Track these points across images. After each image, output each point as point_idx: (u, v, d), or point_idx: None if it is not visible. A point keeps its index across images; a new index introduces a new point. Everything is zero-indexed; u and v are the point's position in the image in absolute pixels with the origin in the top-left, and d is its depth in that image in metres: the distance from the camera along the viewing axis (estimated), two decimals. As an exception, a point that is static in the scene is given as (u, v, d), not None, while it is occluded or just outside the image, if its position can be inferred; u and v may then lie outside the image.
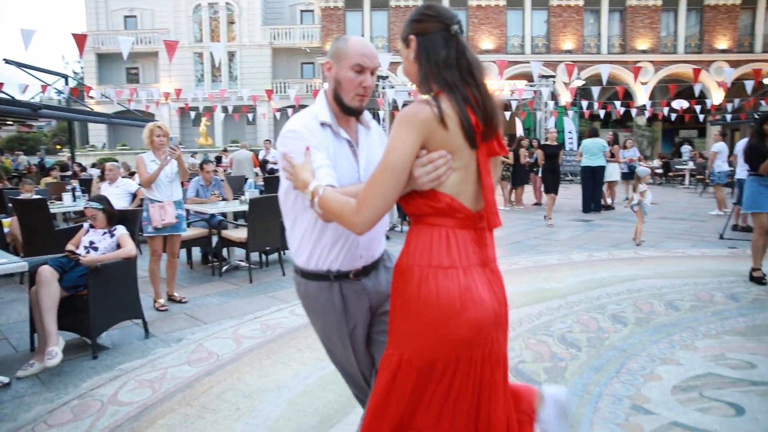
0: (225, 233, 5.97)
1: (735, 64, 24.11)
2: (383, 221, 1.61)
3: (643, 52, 26.01)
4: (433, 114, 1.41)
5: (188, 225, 6.48)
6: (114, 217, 4.16)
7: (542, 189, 12.43)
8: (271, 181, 10.47)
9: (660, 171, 19.90)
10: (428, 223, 1.51)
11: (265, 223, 5.69)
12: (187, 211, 6.64)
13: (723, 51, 25.90)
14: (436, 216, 1.50)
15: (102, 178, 7.87)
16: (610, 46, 26.36)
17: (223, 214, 6.17)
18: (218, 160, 13.77)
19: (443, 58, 1.48)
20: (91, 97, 28.39)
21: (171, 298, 5.05)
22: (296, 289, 1.89)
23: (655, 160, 21.95)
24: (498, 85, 20.47)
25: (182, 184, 5.32)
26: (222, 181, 6.82)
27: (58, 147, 35.13)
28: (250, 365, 3.49)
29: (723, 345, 3.60)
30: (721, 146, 10.59)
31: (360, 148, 1.82)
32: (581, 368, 3.28)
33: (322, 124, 1.74)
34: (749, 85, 16.62)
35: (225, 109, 24.14)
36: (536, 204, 12.72)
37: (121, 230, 4.10)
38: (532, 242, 7.78)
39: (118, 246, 4.04)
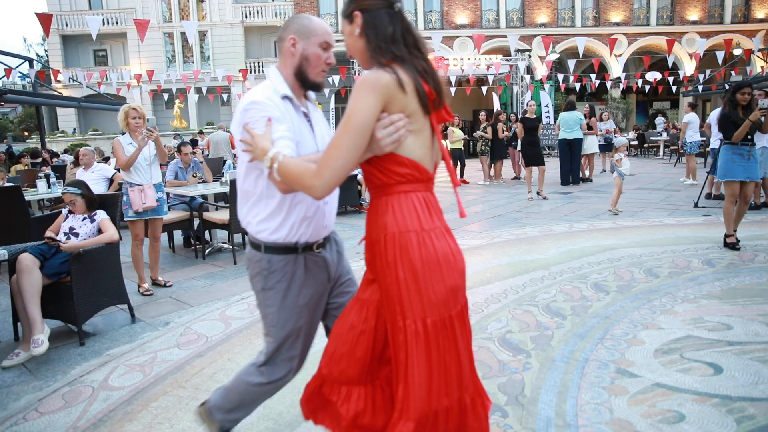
0: (206, 215, 5.91)
1: (706, 35, 24.43)
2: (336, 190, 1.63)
3: (617, 24, 26.15)
4: (392, 79, 1.47)
5: (169, 208, 6.42)
6: (93, 202, 4.09)
7: (520, 163, 12.59)
8: (250, 163, 10.36)
9: (635, 143, 20.19)
10: (402, 191, 1.56)
11: (247, 204, 5.64)
12: (167, 194, 6.57)
13: (694, 22, 26.18)
14: (406, 183, 1.56)
15: (76, 163, 7.69)
16: (584, 19, 26.43)
17: (204, 197, 6.10)
18: (194, 143, 13.54)
19: (391, 34, 1.53)
20: (59, 81, 27.55)
21: (155, 282, 5.01)
22: (255, 267, 1.85)
23: (630, 132, 22.26)
24: (474, 60, 20.44)
25: (160, 166, 5.23)
26: (201, 163, 6.73)
27: (26, 134, 34.15)
28: (240, 345, 3.49)
29: (701, 309, 3.72)
30: (692, 117, 10.82)
31: (314, 122, 1.86)
32: (567, 336, 3.36)
33: (284, 97, 1.75)
34: (720, 55, 16.85)
35: (198, 91, 23.69)
36: (515, 178, 12.83)
37: (101, 215, 4.03)
38: (513, 215, 7.87)
39: (99, 231, 3.98)
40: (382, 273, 1.59)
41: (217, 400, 2.06)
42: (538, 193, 9.40)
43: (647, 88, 21.58)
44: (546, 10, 26.14)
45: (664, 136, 18.25)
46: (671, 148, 16.87)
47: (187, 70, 27.73)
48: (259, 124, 1.64)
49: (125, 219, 4.76)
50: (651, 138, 19.28)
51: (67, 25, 31.17)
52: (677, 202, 8.45)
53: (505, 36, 24.51)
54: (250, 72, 29.16)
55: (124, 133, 4.77)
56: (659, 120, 23.02)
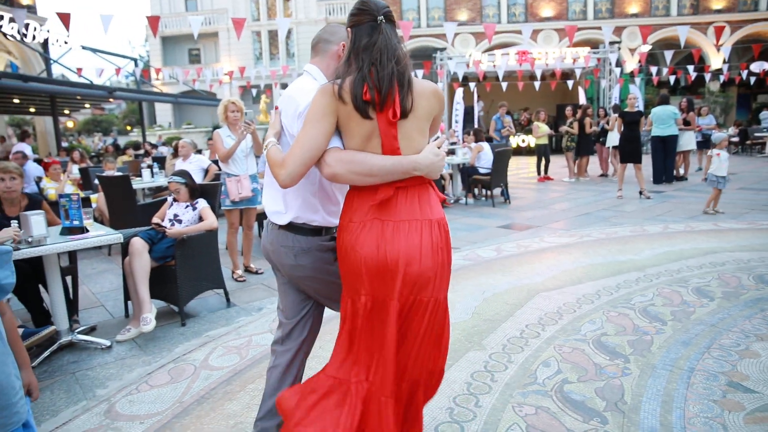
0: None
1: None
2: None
3: (718, 11, 24.31)
4: (332, 90, 1.72)
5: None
6: (195, 191, 4.32)
7: (609, 160, 12.03)
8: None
9: (736, 139, 18.73)
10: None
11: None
12: (262, 185, 6.84)
13: (810, 7, 23.86)
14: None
15: (175, 155, 8.18)
16: (681, 7, 24.78)
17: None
18: None
19: (364, 45, 1.73)
20: (157, 79, 29.41)
21: (248, 269, 5.24)
22: (310, 247, 1.96)
23: (731, 128, 20.68)
24: (560, 53, 19.74)
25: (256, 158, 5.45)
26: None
27: (129, 128, 36.73)
28: (330, 334, 3.57)
29: (824, 320, 3.40)
30: None
31: None
32: (668, 342, 3.18)
33: None
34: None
35: (284, 86, 24.47)
36: (602, 175, 12.28)
37: (202, 203, 4.26)
38: (603, 214, 7.54)
39: (200, 219, 4.20)
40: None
41: None
42: (641, 193, 8.85)
43: (752, 80, 19.89)
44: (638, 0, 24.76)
45: (771, 132, 16.80)
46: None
47: (274, 67, 28.71)
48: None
49: (222, 208, 5.00)
50: (755, 134, 17.81)
51: (166, 27, 33.18)
52: (789, 205, 7.77)
53: (593, 28, 23.53)
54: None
55: (218, 126, 5.00)
56: (764, 114, 21.18)
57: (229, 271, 5.07)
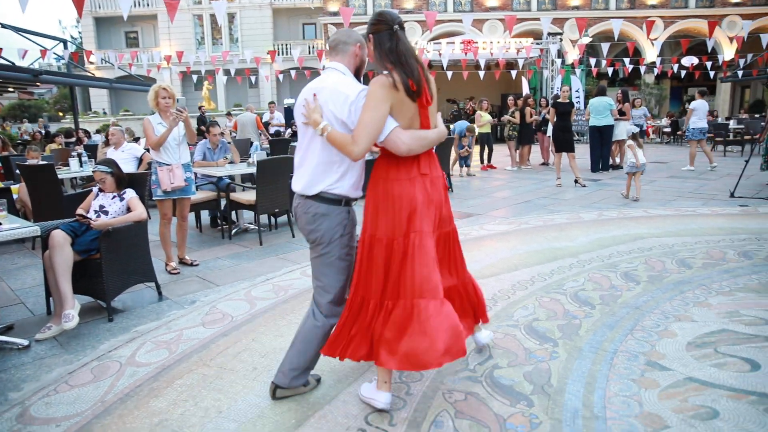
0: (234, 196, 5.94)
1: (749, 17, 23.44)
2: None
3: (653, 7, 25.31)
4: (389, 82, 2.21)
5: (196, 188, 6.48)
6: (123, 181, 4.13)
7: (551, 149, 12.35)
8: (277, 144, 10.40)
9: (668, 130, 19.64)
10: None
11: (273, 184, 5.66)
12: (195, 174, 6.62)
13: (736, 4, 25.17)
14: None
15: (107, 143, 7.81)
16: (619, 2, 25.64)
17: (231, 177, 6.13)
18: (208, 123, 13.62)
19: (388, 48, 2.26)
20: (91, 63, 28.00)
21: (182, 262, 5.07)
22: (329, 214, 2.40)
23: (664, 118, 21.66)
24: (504, 43, 20.06)
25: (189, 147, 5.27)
26: (229, 143, 6.75)
27: (61, 114, 34.87)
28: (265, 326, 3.51)
29: (736, 302, 3.59)
30: (698, 104, 10.79)
31: None
32: (595, 325, 3.28)
33: None
34: (765, 38, 16.15)
35: (227, 72, 23.80)
36: (543, 164, 12.61)
37: (130, 194, 4.08)
38: (541, 202, 7.74)
39: (128, 210, 4.02)
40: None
41: None
42: (576, 182, 9.13)
43: (683, 73, 20.86)
44: (580, -8, 25.43)
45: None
46: (707, 135, 16.32)
47: (216, 52, 27.89)
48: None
49: (153, 198, 4.81)
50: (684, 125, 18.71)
51: (99, 7, 31.63)
52: (712, 192, 8.20)
53: (536, 19, 24.00)
54: (278, 54, 29.18)
55: (153, 113, 4.80)
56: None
57: (163, 263, 4.90)
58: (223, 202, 6.22)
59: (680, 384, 2.56)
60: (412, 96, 2.23)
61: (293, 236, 6.00)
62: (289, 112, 20.92)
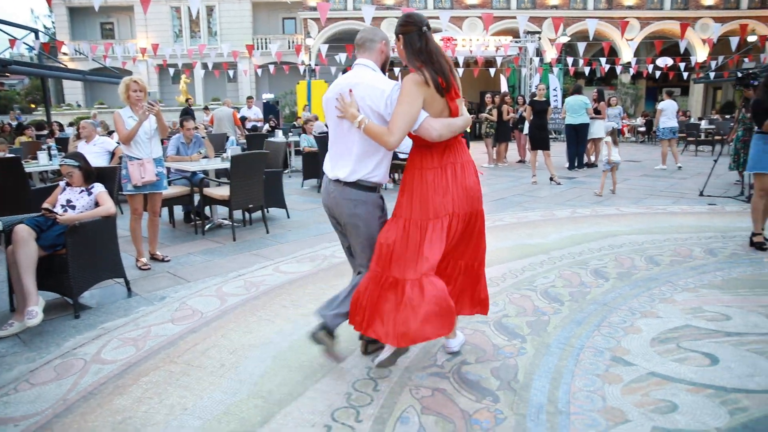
0: (207, 191, 5.88)
1: (721, 20, 23.93)
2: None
3: (630, 8, 25.68)
4: (423, 78, 2.43)
5: (169, 183, 6.39)
6: (91, 175, 4.05)
7: (527, 146, 12.46)
8: (254, 139, 10.31)
9: (643, 129, 19.97)
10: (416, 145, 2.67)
11: (247, 180, 5.61)
12: (168, 169, 6.53)
13: (709, 7, 25.68)
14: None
15: (78, 136, 7.65)
16: (597, 2, 25.97)
17: (205, 172, 6.06)
18: (185, 112, 13.40)
19: (418, 48, 2.48)
20: (65, 54, 27.37)
21: (153, 257, 5.00)
22: (367, 200, 2.63)
23: (639, 118, 22.00)
24: (483, 41, 20.16)
25: (162, 141, 5.19)
26: (203, 138, 6.67)
27: (33, 106, 34.05)
28: (234, 322, 3.48)
29: (700, 298, 3.67)
30: (667, 104, 11.00)
31: None
32: (564, 322, 3.33)
33: None
34: (734, 41, 16.51)
35: (205, 66, 23.51)
36: (520, 161, 12.72)
37: (98, 188, 4.00)
38: (516, 199, 7.81)
39: (97, 204, 3.95)
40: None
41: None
42: (551, 179, 9.23)
43: (658, 74, 21.22)
44: (558, -8, 25.67)
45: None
46: (679, 135, 16.64)
47: (194, 45, 27.51)
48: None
49: (124, 193, 4.73)
50: (659, 125, 19.05)
51: (74, -4, 30.93)
52: (683, 190, 8.36)
53: (515, 17, 24.18)
54: (256, 48, 28.93)
55: (124, 106, 4.72)
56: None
57: (133, 259, 4.82)
58: (196, 198, 6.15)
59: (643, 379, 2.61)
60: (441, 92, 2.47)
61: (267, 232, 5.96)
62: (267, 107, 20.78)
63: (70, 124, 17.55)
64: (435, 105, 2.48)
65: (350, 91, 2.51)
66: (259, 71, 24.35)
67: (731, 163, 8.70)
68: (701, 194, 7.78)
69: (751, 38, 21.52)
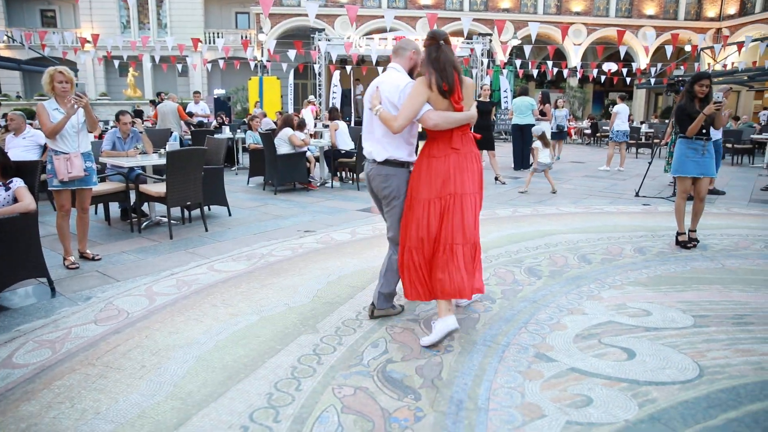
0: (143, 188, 5.68)
1: (661, 29, 24.97)
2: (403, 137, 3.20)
3: (578, 13, 26.45)
4: (427, 82, 3.01)
5: (104, 179, 6.16)
6: (9, 169, 3.85)
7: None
8: (199, 134, 10.05)
9: (588, 131, 20.62)
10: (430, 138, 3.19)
11: (184, 176, 5.46)
12: (104, 164, 6.29)
13: (650, 16, 26.73)
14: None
15: (6, 129, 7.27)
16: (546, 7, 26.63)
17: (142, 168, 5.86)
18: (138, 114, 12.97)
19: (433, 58, 3.01)
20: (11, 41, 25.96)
21: (83, 256, 4.80)
22: (396, 174, 3.21)
23: (585, 120, 22.71)
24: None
25: (100, 136, 5.00)
26: (141, 133, 6.45)
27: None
28: (161, 322, 3.37)
29: (625, 295, 3.81)
30: (621, 108, 11.54)
31: None
32: (493, 319, 3.38)
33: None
34: (669, 50, 17.24)
35: (153, 59, 22.78)
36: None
37: (17, 183, 3.80)
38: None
39: (15, 200, 3.75)
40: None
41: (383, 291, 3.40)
42: (496, 179, 9.39)
43: (602, 78, 21.95)
44: (510, -5, 26.19)
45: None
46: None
47: (141, 37, 26.62)
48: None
49: (50, 188, 4.52)
50: (604, 127, 19.72)
51: (9, -20, 29.40)
52: (620, 191, 8.67)
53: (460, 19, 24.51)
54: (205, 42, 28.25)
55: (48, 98, 4.50)
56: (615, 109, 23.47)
57: (62, 257, 4.62)
58: (134, 195, 5.94)
59: (563, 374, 2.67)
60: (444, 94, 3.01)
61: (206, 230, 5.82)
62: (218, 103, 20.32)
63: (3, 116, 16.66)
64: (439, 104, 3.04)
65: (377, 87, 3.21)
66: (209, 66, 23.78)
67: (666, 166, 9.10)
68: (637, 195, 8.09)
69: (687, 47, 22.57)
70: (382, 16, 24.80)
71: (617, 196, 8.19)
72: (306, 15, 24.96)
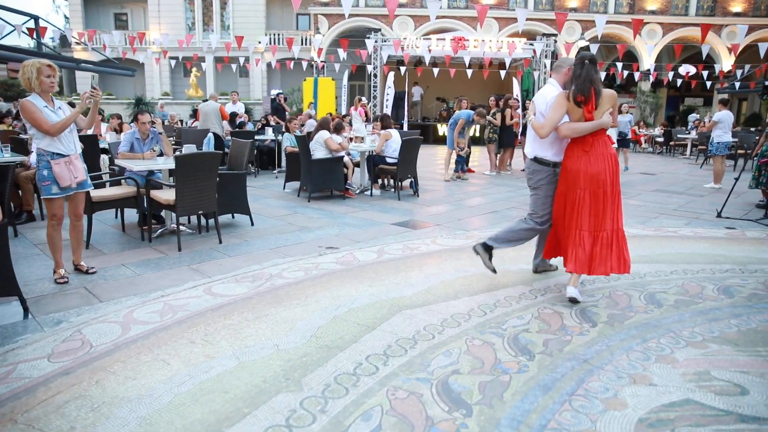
0: (154, 194, 5.23)
1: (749, 28, 22.79)
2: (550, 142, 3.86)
3: (653, 12, 24.65)
4: (565, 95, 3.66)
5: (119, 182, 5.80)
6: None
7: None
8: (240, 136, 9.67)
9: (661, 139, 19.03)
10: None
11: (196, 183, 4.95)
12: (122, 168, 5.92)
13: (737, 14, 24.54)
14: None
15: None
16: (618, 5, 24.98)
17: (151, 172, 5.43)
18: (195, 113, 12.80)
19: (577, 74, 3.60)
20: (78, 43, 27.02)
21: (78, 268, 4.36)
22: (540, 170, 3.94)
23: (657, 128, 21.03)
24: (497, 42, 19.37)
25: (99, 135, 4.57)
26: (160, 134, 6.02)
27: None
28: (122, 362, 2.81)
29: (708, 357, 2.92)
30: (723, 115, 9.72)
31: None
32: (527, 385, 2.60)
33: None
34: (763, 48, 15.49)
35: (218, 60, 22.99)
36: (524, 170, 11.93)
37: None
38: (511, 213, 7.06)
39: (-17, 208, 3.32)
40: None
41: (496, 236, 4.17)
42: None
43: (679, 82, 20.22)
44: (578, -6, 24.74)
45: (693, 134, 17.07)
46: (699, 147, 15.70)
47: (207, 38, 27.05)
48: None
49: (44, 197, 4.09)
50: (678, 136, 18.09)
51: (87, -15, 30.71)
52: (698, 210, 7.54)
53: (536, 19, 23.33)
54: (272, 43, 28.42)
55: (27, 94, 4.06)
56: (692, 116, 21.62)
57: (52, 270, 4.20)
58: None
59: (618, 488, 1.88)
60: (579, 104, 3.58)
61: (220, 242, 5.29)
62: (274, 103, 20.14)
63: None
64: (574, 113, 3.64)
65: (533, 100, 3.99)
66: (274, 63, 23.78)
67: (751, 181, 7.88)
68: (719, 215, 6.96)
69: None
70: (444, 17, 24.07)
71: (694, 216, 7.09)
72: (364, 15, 24.62)
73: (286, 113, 13.48)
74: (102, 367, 2.77)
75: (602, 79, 3.73)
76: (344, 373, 2.69)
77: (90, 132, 8.63)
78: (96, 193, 5.21)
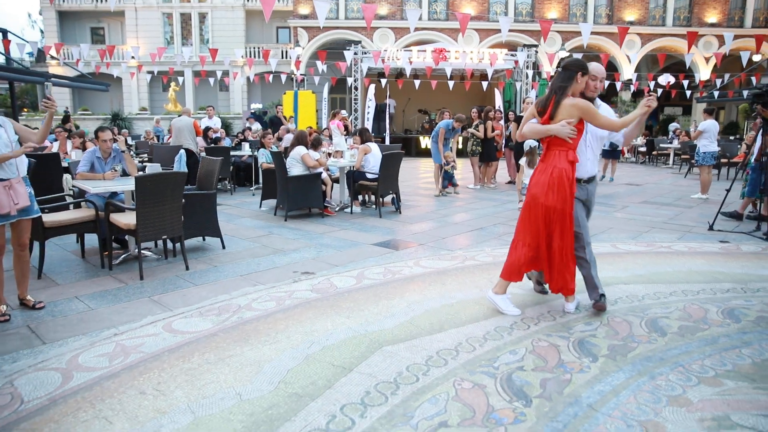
0: (113, 218, 4.82)
1: (723, 39, 23.03)
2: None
3: (631, 23, 24.82)
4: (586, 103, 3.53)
5: (78, 204, 5.39)
6: None
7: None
8: (215, 152, 9.30)
9: (643, 149, 19.01)
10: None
11: (158, 205, 4.56)
12: (82, 190, 5.50)
13: (712, 25, 24.83)
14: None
15: None
16: (597, 16, 25.13)
17: (113, 194, 5.02)
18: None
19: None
20: (54, 58, 26.42)
21: (23, 303, 3.94)
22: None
23: (639, 137, 21.03)
24: (478, 54, 19.25)
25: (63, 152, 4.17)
26: (123, 152, 5.62)
27: (24, 110, 33.06)
28: (56, 422, 2.41)
29: (726, 398, 2.60)
30: (708, 125, 9.59)
31: None
32: (526, 439, 2.26)
33: None
34: (745, 56, 15.52)
35: (196, 74, 22.58)
36: (510, 182, 11.69)
37: None
38: (497, 230, 6.76)
39: None
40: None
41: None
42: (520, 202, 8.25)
43: (659, 91, 20.25)
44: (557, 5, 24.84)
45: (675, 143, 17.04)
46: (682, 157, 15.63)
47: (186, 52, 26.65)
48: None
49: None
50: (661, 145, 18.07)
51: (64, 0, 30.19)
52: (689, 222, 7.31)
53: (517, 30, 23.33)
54: (249, 56, 28.05)
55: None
56: (672, 125, 21.67)
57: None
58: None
59: None
60: (540, 114, 3.66)
61: (187, 268, 4.89)
62: (255, 118, 19.74)
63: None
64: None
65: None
66: (251, 77, 23.44)
67: (742, 191, 7.71)
68: (711, 228, 6.73)
69: (756, 57, 20.61)
70: (424, 28, 23.97)
71: (686, 229, 6.85)
72: (343, 28, 24.40)
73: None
74: (29, 430, 2.37)
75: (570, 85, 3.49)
76: (316, 429, 2.32)
77: (54, 150, 8.21)
78: (50, 218, 4.79)
